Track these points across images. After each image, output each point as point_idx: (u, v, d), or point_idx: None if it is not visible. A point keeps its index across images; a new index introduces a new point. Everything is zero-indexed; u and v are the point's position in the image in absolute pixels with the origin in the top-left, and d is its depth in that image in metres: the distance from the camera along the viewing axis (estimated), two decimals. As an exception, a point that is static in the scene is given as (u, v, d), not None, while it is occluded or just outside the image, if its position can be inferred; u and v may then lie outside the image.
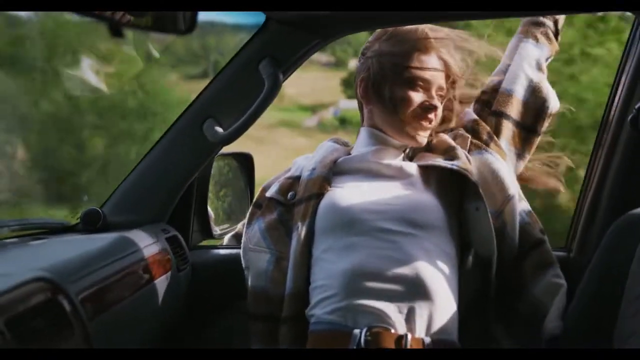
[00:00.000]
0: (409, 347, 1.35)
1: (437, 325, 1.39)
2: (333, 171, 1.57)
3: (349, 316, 1.38)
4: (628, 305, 1.34)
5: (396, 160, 1.58)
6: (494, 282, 1.50)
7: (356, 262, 1.40)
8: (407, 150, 1.63)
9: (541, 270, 1.54)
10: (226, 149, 1.80)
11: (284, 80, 1.59)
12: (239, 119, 1.56)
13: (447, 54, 1.58)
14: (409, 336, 1.35)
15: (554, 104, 1.66)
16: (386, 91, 1.55)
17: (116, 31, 0.84)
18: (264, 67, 1.56)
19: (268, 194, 1.62)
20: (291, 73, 1.64)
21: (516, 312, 1.55)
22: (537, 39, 1.65)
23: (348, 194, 1.50)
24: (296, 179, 1.60)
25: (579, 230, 1.79)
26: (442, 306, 1.40)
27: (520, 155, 1.66)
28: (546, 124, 1.67)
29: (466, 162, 1.54)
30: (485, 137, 1.61)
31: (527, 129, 1.65)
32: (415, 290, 1.38)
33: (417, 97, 1.53)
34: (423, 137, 1.58)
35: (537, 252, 1.55)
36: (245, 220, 1.66)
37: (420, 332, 1.38)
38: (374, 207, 1.46)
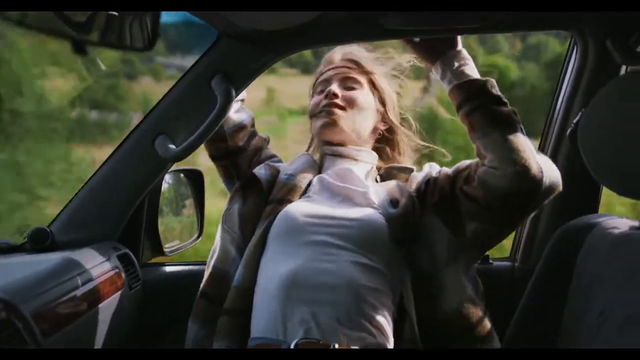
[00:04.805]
0: None
1: (368, 336, 1.38)
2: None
3: (280, 329, 1.39)
4: (571, 312, 1.39)
5: (355, 181, 1.59)
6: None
7: (291, 270, 1.42)
8: (381, 170, 1.66)
9: None
10: (177, 165, 1.80)
11: (236, 96, 1.60)
12: (192, 135, 1.56)
13: (355, 52, 1.70)
14: (337, 346, 1.35)
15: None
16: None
17: (79, 48, 0.84)
18: (216, 83, 1.57)
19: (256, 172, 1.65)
20: (244, 89, 1.65)
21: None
22: None
23: (301, 205, 1.54)
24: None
25: (522, 240, 1.86)
26: (372, 317, 1.40)
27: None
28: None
29: (406, 210, 1.51)
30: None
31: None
32: (345, 302, 1.39)
33: (317, 98, 1.67)
34: (333, 119, 1.62)
35: None
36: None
37: (349, 343, 1.37)
38: (318, 220, 1.49)
